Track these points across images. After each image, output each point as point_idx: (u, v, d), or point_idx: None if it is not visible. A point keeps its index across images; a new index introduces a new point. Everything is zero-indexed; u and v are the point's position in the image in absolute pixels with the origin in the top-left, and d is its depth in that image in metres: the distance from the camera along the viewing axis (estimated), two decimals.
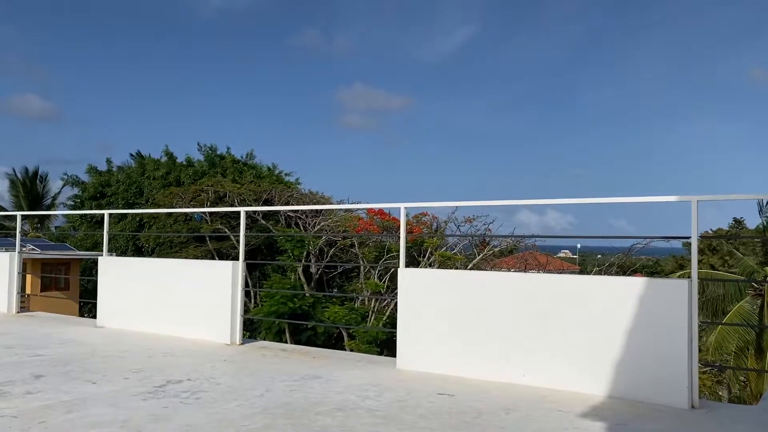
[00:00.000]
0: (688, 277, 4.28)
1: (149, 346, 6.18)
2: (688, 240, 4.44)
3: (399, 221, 18.56)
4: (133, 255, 20.61)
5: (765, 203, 16.78)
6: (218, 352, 5.98)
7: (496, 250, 18.51)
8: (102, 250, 8.12)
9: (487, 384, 4.74)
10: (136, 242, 21.60)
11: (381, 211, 17.17)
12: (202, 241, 19.07)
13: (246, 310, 17.13)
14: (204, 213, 18.06)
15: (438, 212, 17.58)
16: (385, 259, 16.18)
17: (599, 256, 19.64)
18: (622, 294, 4.41)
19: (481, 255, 17.54)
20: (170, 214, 19.28)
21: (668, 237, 5.20)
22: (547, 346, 4.68)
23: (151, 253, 20.40)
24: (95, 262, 9.74)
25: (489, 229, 17.23)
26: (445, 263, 16.55)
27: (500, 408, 4.11)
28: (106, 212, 8.09)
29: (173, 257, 17.91)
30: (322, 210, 16.97)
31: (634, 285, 4.42)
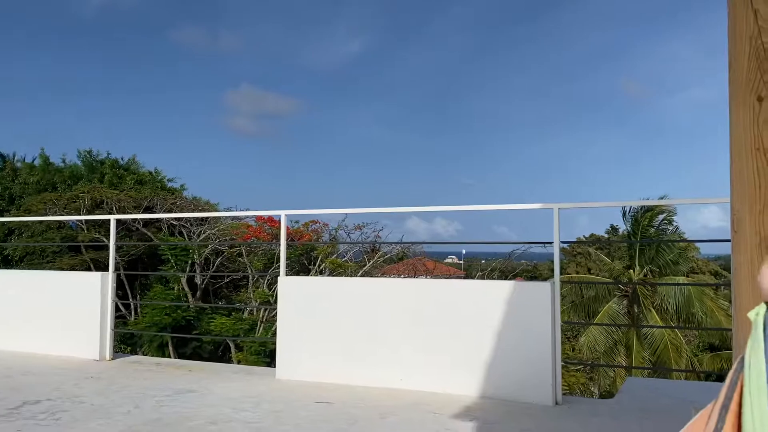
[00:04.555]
0: (553, 280, 4.54)
1: (8, 365, 5.68)
2: (564, 244, 4.72)
3: (288, 228, 18.33)
4: None
5: (628, 210, 18.21)
6: (85, 368, 5.61)
7: (386, 257, 18.78)
8: None
9: (365, 390, 4.77)
10: (2, 252, 19.89)
11: (270, 219, 16.90)
12: (78, 251, 17.88)
13: (125, 323, 16.30)
14: (79, 221, 16.96)
15: (328, 220, 17.58)
16: (274, 268, 15.93)
17: (483, 261, 20.43)
18: (492, 297, 4.60)
19: (371, 262, 17.71)
20: (42, 221, 17.94)
21: (533, 242, 5.50)
22: (424, 350, 4.79)
23: (19, 263, 18.88)
24: None
25: (378, 236, 17.44)
26: (336, 270, 16.58)
27: (377, 414, 4.15)
28: None
29: (45, 268, 16.67)
30: (207, 218, 16.44)
31: (503, 288, 4.62)
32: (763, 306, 0.53)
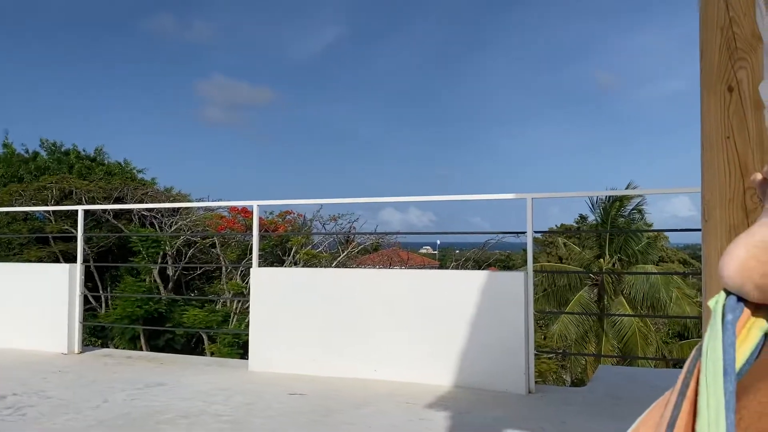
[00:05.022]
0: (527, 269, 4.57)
1: None
2: (537, 233, 4.75)
3: (263, 219, 18.13)
4: None
5: (596, 200, 18.46)
6: (53, 362, 5.49)
7: (361, 247, 18.77)
8: None
9: (340, 381, 4.75)
10: None
11: (244, 210, 16.74)
12: (46, 243, 17.52)
13: (96, 316, 16.04)
14: (47, 212, 16.60)
15: (302, 210, 17.49)
16: (248, 259, 15.80)
17: (457, 251, 20.55)
18: (466, 287, 4.61)
19: (345, 252, 17.68)
20: (8, 213, 17.52)
21: (506, 232, 5.53)
22: (398, 340, 4.79)
23: None
24: None
25: (353, 227, 17.42)
26: (311, 261, 16.52)
27: (351, 405, 4.14)
28: None
29: (12, 260, 16.32)
30: (178, 208, 16.22)
31: (477, 278, 4.63)
32: (722, 294, 0.53)
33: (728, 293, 0.53)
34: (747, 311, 0.51)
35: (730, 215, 1.92)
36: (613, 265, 18.51)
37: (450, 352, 4.62)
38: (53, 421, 3.71)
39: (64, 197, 17.44)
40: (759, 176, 0.61)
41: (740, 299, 0.52)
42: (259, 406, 4.07)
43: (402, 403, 4.19)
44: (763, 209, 0.57)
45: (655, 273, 17.33)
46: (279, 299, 5.14)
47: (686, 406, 0.45)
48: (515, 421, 3.73)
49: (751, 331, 0.50)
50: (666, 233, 21.38)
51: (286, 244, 16.65)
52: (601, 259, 18.59)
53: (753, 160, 1.95)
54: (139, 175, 20.46)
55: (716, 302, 0.52)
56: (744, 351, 0.48)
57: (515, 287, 4.48)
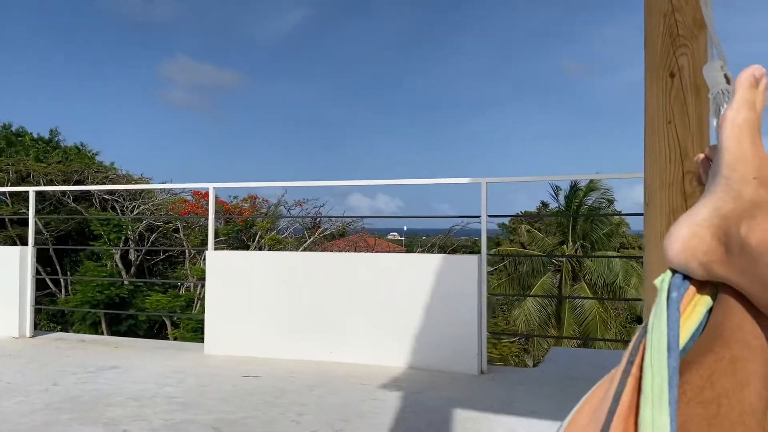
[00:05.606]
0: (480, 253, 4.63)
1: None
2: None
3: (227, 204, 17.89)
4: None
5: (554, 186, 18.76)
6: (3, 346, 5.39)
7: (327, 233, 18.73)
8: None
9: (295, 364, 4.77)
10: None
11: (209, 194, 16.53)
12: (3, 227, 17.06)
13: (55, 301, 15.72)
14: (3, 195, 16.16)
15: (263, 194, 17.36)
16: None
17: (424, 237, 20.66)
18: (422, 270, 4.66)
19: (311, 238, 17.63)
20: None
21: (462, 216, 5.59)
22: (354, 323, 4.82)
23: None
24: None
25: (320, 212, 17.37)
26: (276, 247, 16.42)
27: (305, 386, 4.16)
28: None
29: None
30: (140, 193, 15.94)
31: (432, 261, 4.68)
32: (668, 273, 0.54)
33: (674, 272, 0.54)
34: (692, 289, 0.52)
35: (671, 199, 1.97)
36: (576, 251, 18.84)
37: (405, 334, 4.67)
38: (1, 405, 3.65)
39: (22, 180, 16.97)
40: (701, 156, 0.63)
41: (686, 277, 0.53)
42: (211, 389, 4.07)
43: (356, 384, 4.23)
44: (703, 191, 0.59)
45: (606, 256, 17.69)
46: (235, 282, 5.12)
47: (630, 382, 0.46)
48: (465, 401, 3.79)
49: (696, 308, 0.51)
50: (627, 220, 21.80)
51: (251, 230, 16.53)
52: (564, 246, 18.91)
53: (692, 144, 2.01)
54: (97, 158, 20.00)
55: (662, 281, 0.53)
56: (689, 328, 0.50)
57: (469, 271, 4.54)
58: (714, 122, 0.69)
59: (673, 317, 0.49)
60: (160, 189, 15.93)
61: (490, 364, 4.69)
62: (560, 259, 18.27)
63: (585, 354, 5.72)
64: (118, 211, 16.11)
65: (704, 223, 0.53)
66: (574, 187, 18.61)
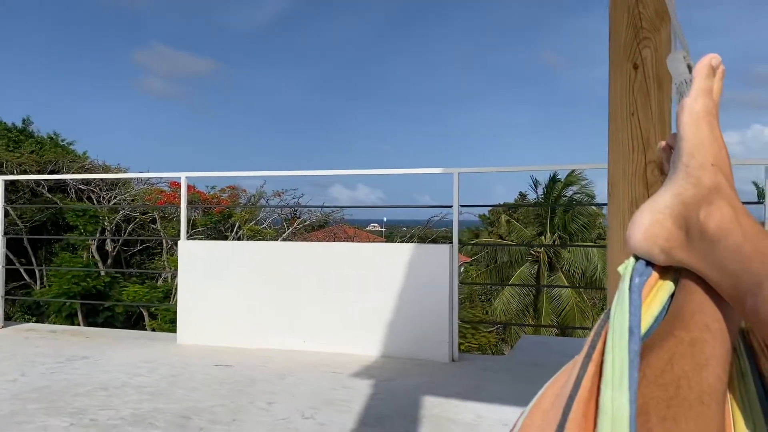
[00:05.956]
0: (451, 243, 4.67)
1: None
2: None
3: (205, 194, 17.72)
4: None
5: (533, 178, 18.92)
6: None
7: (307, 224, 18.69)
8: None
9: (268, 352, 4.78)
10: None
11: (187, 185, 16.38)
12: None
13: (30, 293, 15.51)
14: None
15: (237, 183, 17.22)
16: (190, 235, 15.54)
17: (404, 228, 20.71)
18: (395, 260, 4.69)
19: (290, 229, 17.59)
20: None
21: (433, 206, 5.62)
22: (327, 312, 4.84)
23: None
24: None
25: (298, 203, 17.32)
26: (255, 237, 16.36)
27: (276, 375, 4.17)
28: None
29: None
30: (116, 183, 15.76)
31: (405, 251, 4.72)
32: (631, 259, 0.55)
33: (637, 258, 0.55)
34: (655, 275, 0.54)
35: (633, 189, 2.01)
36: (554, 242, 19.02)
37: (378, 323, 4.71)
38: None
39: None
40: (663, 144, 0.65)
41: (649, 264, 0.54)
42: (183, 378, 4.07)
43: (328, 372, 4.26)
44: (665, 179, 0.60)
45: (583, 245, 17.90)
46: (208, 272, 5.11)
47: (592, 367, 0.47)
48: (434, 387, 3.84)
49: (658, 293, 0.53)
50: (604, 212, 22.02)
51: (230, 220, 16.44)
52: (542, 237, 19.09)
53: (655, 135, 2.05)
54: (71, 148, 19.67)
55: (626, 267, 0.54)
56: (651, 312, 0.51)
57: (441, 260, 4.58)
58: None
59: (635, 303, 0.50)
60: (137, 179, 15.73)
61: (468, 353, 4.75)
62: (538, 250, 18.44)
63: (555, 342, 5.81)
64: (95, 202, 15.94)
65: (665, 210, 0.54)
66: (552, 179, 18.77)
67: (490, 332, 15.52)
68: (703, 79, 0.58)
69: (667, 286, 0.53)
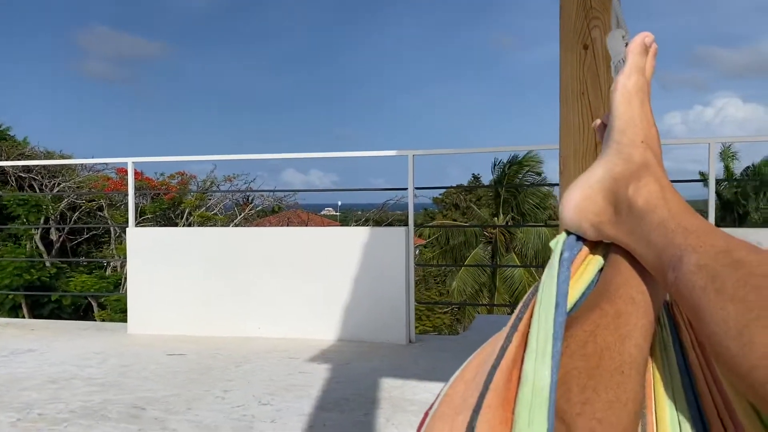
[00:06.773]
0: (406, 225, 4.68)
1: None
2: (417, 190, 4.84)
3: (153, 181, 17.28)
4: None
5: (494, 162, 19.19)
6: None
7: (259, 209, 18.47)
8: None
9: (222, 340, 4.71)
10: None
11: (136, 171, 15.94)
12: None
13: None
14: None
15: (188, 168, 16.85)
16: (139, 222, 15.15)
17: (359, 212, 20.69)
18: (350, 244, 4.67)
19: (242, 214, 17.35)
20: None
21: (389, 189, 5.62)
22: (282, 297, 4.79)
23: None
24: None
25: (250, 188, 17.07)
26: (205, 224, 16.08)
27: (231, 362, 4.12)
28: None
29: None
30: (60, 170, 15.21)
31: (360, 235, 4.70)
32: (563, 234, 0.56)
33: (569, 234, 0.56)
34: (585, 249, 0.54)
35: (583, 167, 2.04)
36: (507, 223, 19.34)
37: (334, 307, 4.69)
38: None
39: None
40: (598, 122, 0.65)
41: (579, 239, 0.55)
42: (135, 368, 3.97)
43: (284, 358, 4.23)
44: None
45: (533, 225, 18.28)
46: (159, 260, 4.99)
47: (517, 338, 0.47)
48: (391, 369, 3.86)
49: (588, 267, 0.53)
50: (555, 193, 22.51)
51: (179, 207, 16.10)
52: (496, 218, 19.38)
53: (604, 114, 2.08)
54: (9, 134, 18.83)
55: (557, 242, 0.54)
56: (580, 286, 0.51)
57: (397, 243, 4.59)
58: None
59: (563, 276, 0.50)
60: (81, 165, 15.21)
61: (424, 334, 4.78)
62: (492, 231, 18.73)
63: (508, 320, 5.92)
64: (37, 190, 15.35)
65: (596, 185, 0.55)
66: (510, 162, 19.05)
67: (445, 313, 15.72)
68: (636, 57, 0.58)
69: (597, 261, 0.53)
